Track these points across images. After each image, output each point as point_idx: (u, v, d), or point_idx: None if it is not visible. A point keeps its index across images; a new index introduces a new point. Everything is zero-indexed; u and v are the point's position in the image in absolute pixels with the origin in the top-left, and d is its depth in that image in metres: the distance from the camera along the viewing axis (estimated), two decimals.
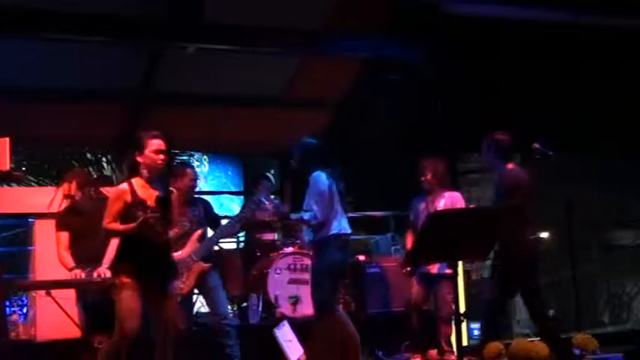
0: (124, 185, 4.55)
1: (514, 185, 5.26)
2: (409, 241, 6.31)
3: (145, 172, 4.53)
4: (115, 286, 4.47)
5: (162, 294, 4.50)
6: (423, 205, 6.21)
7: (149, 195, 4.53)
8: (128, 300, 4.41)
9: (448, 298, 6.00)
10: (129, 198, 4.49)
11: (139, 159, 4.55)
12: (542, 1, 7.71)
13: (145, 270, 4.45)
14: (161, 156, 4.53)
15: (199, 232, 5.81)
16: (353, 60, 8.35)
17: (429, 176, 6.15)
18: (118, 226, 4.50)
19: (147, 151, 4.52)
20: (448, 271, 5.93)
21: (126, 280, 4.44)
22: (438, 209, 5.99)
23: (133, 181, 4.55)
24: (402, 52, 7.89)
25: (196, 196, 6.22)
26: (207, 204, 6.16)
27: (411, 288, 6.22)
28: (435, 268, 6.05)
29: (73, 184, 5.51)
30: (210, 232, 6.06)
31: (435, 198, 6.17)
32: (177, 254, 5.63)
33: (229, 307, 6.62)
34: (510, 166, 5.39)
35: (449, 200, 6.12)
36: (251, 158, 13.48)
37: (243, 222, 6.14)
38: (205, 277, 5.79)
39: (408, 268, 6.22)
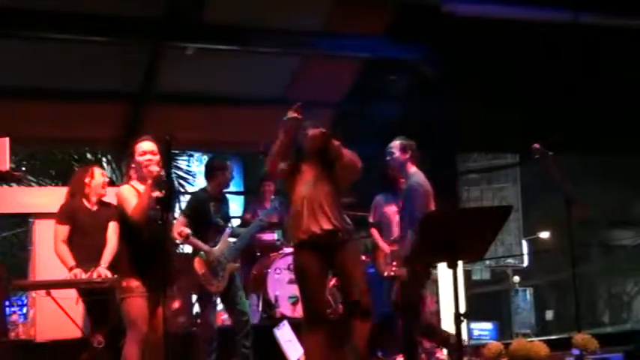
0: (127, 186, 4.50)
1: (418, 189, 5.29)
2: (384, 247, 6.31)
3: (139, 176, 4.48)
4: (121, 289, 4.44)
5: (164, 294, 4.47)
6: (391, 207, 6.23)
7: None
8: (140, 305, 4.37)
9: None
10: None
11: (132, 165, 4.53)
12: (542, 1, 7.71)
13: (150, 272, 4.39)
14: (148, 156, 4.45)
15: (230, 231, 5.76)
16: (353, 60, 8.35)
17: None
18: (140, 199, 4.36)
19: (136, 156, 4.49)
20: None
21: (134, 283, 4.42)
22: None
23: (133, 183, 4.51)
24: (402, 52, 7.89)
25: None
26: (228, 202, 6.10)
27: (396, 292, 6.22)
28: None
29: (96, 182, 5.36)
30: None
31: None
32: (210, 249, 5.61)
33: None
34: (415, 169, 5.41)
35: None
36: (251, 158, 13.53)
37: (265, 226, 6.09)
38: (232, 279, 5.68)
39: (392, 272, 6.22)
